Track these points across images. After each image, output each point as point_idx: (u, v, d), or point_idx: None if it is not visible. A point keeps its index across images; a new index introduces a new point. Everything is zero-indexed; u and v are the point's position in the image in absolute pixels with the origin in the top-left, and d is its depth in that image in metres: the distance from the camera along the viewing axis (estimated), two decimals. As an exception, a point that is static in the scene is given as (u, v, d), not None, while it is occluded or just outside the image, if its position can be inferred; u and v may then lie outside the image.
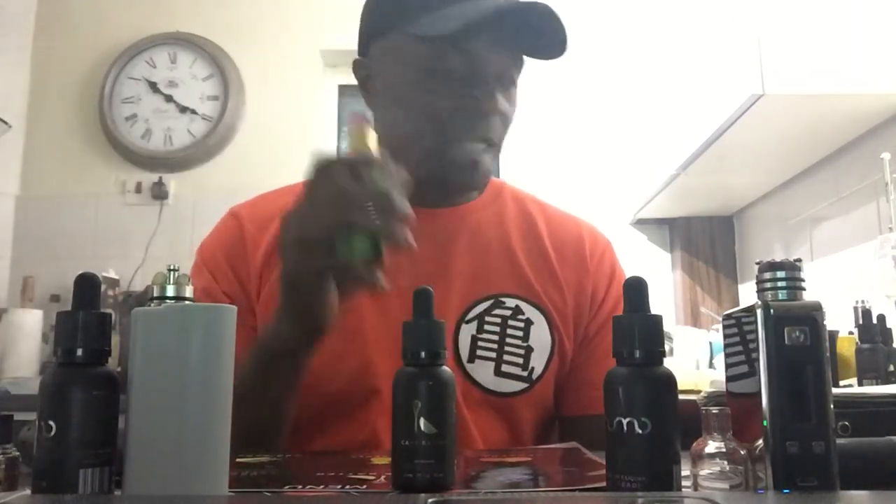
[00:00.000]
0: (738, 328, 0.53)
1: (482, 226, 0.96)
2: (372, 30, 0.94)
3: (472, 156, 0.89)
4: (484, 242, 0.95)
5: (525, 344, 0.90)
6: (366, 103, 0.98)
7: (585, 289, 0.97)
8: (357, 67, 0.97)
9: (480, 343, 0.89)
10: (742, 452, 0.49)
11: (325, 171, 0.67)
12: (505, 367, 0.89)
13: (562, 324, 0.93)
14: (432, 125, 0.88)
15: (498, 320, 0.90)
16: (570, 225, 1.03)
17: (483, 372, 0.88)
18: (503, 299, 0.91)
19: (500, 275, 0.93)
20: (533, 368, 0.90)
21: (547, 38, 0.90)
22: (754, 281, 0.52)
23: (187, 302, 0.53)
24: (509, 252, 0.95)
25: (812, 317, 0.48)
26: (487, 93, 0.88)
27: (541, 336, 0.91)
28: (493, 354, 0.89)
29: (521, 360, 0.90)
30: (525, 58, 0.95)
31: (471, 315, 0.90)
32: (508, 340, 0.90)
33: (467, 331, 0.89)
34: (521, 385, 0.89)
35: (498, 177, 1.03)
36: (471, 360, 0.88)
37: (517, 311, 0.91)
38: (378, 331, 0.87)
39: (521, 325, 0.91)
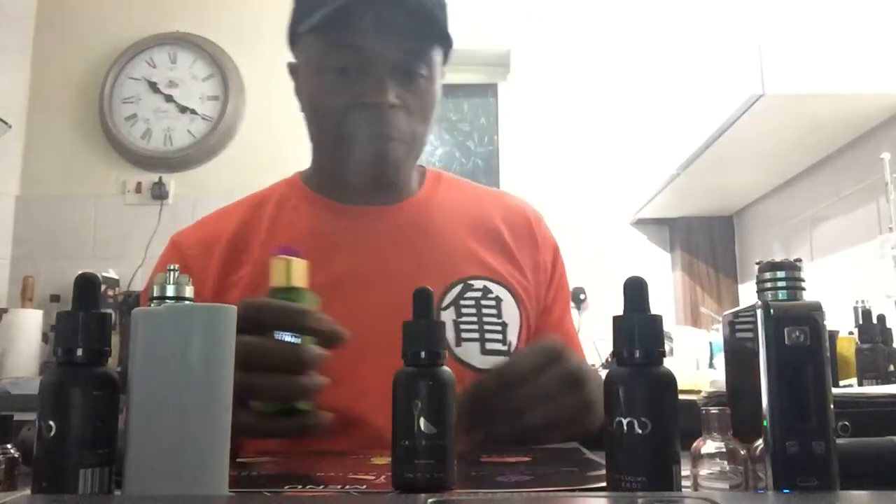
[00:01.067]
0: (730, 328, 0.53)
1: (434, 216, 0.98)
2: (289, 34, 0.97)
3: (373, 153, 0.89)
4: (441, 232, 0.97)
5: (500, 320, 0.94)
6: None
7: (539, 264, 1.01)
8: (290, 70, 1.00)
9: (463, 326, 0.91)
10: (742, 452, 0.49)
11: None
12: (489, 345, 0.92)
13: (526, 298, 0.97)
14: (331, 124, 0.90)
15: (472, 302, 0.93)
16: (513, 204, 1.06)
17: (471, 353, 0.91)
18: (471, 282, 0.94)
19: (463, 260, 0.95)
20: (511, 342, 0.94)
21: (416, 22, 0.88)
22: (754, 281, 0.52)
23: (187, 302, 0.53)
24: (465, 238, 0.97)
25: (812, 317, 0.48)
26: (378, 87, 0.87)
27: (511, 312, 0.95)
28: (476, 335, 0.92)
29: (500, 336, 0.93)
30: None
31: (446, 302, 0.92)
32: (486, 319, 0.93)
33: (447, 317, 0.91)
34: (503, 359, 0.91)
35: (416, 169, 1.04)
36: (458, 345, 0.90)
37: (486, 290, 0.94)
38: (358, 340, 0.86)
39: (493, 303, 0.94)
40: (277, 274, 0.72)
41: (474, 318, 0.92)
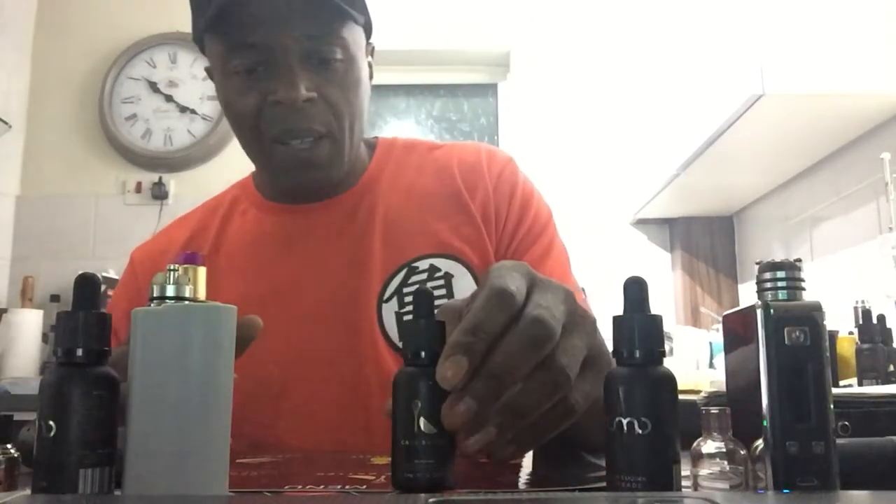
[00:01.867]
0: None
1: (381, 194, 0.92)
2: (193, 38, 0.89)
3: (295, 154, 0.84)
4: (388, 212, 0.90)
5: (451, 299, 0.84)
6: None
7: (489, 210, 0.91)
8: (208, 73, 0.93)
9: (406, 318, 0.83)
10: (742, 452, 0.49)
11: None
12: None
13: (481, 261, 0.88)
14: (248, 128, 0.85)
15: (416, 286, 0.85)
16: (470, 150, 0.97)
17: None
18: (415, 264, 0.87)
19: (410, 239, 0.88)
20: None
21: (315, 3, 0.81)
22: (754, 281, 0.52)
23: (187, 302, 0.53)
24: (415, 211, 0.90)
25: (812, 317, 0.48)
26: (288, 82, 0.80)
27: (465, 286, 0.86)
28: None
29: None
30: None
31: (388, 293, 0.86)
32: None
33: (389, 310, 0.85)
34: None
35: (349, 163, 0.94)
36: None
37: (433, 270, 0.87)
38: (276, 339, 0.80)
39: (442, 282, 0.86)
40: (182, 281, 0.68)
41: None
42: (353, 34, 0.85)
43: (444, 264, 0.87)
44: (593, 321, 0.56)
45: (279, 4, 0.79)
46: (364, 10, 0.86)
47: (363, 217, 0.90)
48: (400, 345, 0.79)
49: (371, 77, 0.91)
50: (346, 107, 0.84)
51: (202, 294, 0.67)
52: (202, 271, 0.67)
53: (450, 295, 0.86)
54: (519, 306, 0.49)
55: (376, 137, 1.01)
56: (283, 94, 0.80)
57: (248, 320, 0.56)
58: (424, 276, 0.87)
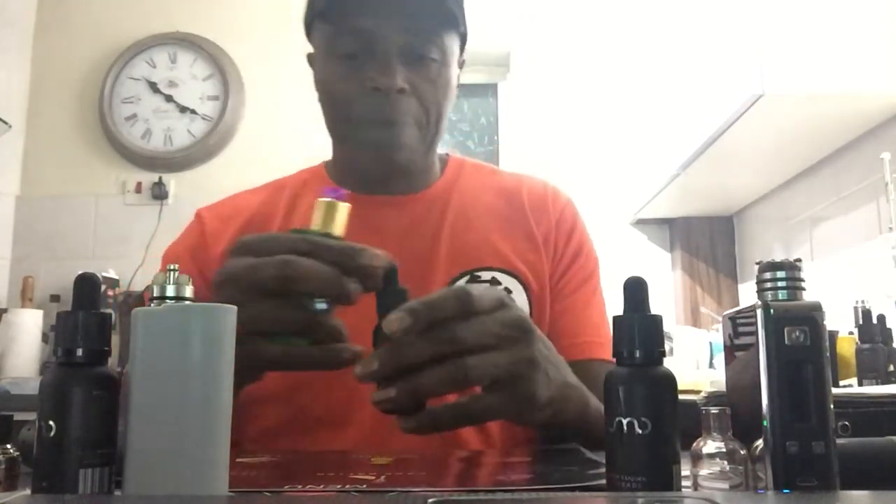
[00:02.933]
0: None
1: (452, 206, 0.96)
2: (304, 24, 0.95)
3: (384, 139, 0.87)
4: (457, 222, 0.94)
5: None
6: None
7: (549, 242, 0.97)
8: (308, 61, 0.98)
9: None
10: (742, 452, 0.49)
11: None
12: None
13: (538, 285, 0.93)
14: (342, 110, 0.89)
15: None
16: (538, 183, 1.04)
17: None
18: (478, 273, 0.91)
19: (475, 251, 0.92)
20: None
21: (425, 3, 0.86)
22: (754, 281, 0.52)
23: (187, 302, 0.53)
24: (483, 226, 0.94)
25: (812, 317, 0.48)
26: (386, 71, 0.85)
27: (520, 303, 0.86)
28: None
29: None
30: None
31: None
32: None
33: None
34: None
35: (436, 154, 1.01)
36: None
37: (494, 282, 0.91)
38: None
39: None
40: (318, 216, 0.65)
41: None
42: (451, 40, 0.90)
43: (505, 279, 0.91)
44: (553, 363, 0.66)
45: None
46: (464, 22, 0.91)
47: (433, 220, 0.94)
48: None
49: (457, 86, 0.95)
50: (434, 105, 0.89)
51: (340, 231, 0.65)
52: (344, 208, 0.66)
53: None
54: (472, 310, 0.59)
55: (448, 154, 1.05)
56: (380, 82, 0.85)
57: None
58: (486, 285, 0.90)
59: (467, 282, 0.90)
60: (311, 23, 0.93)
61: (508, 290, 0.91)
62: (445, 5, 0.86)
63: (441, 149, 1.01)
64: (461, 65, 0.96)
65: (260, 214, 0.96)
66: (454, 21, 0.88)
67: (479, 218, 0.95)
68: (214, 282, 0.64)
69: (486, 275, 0.91)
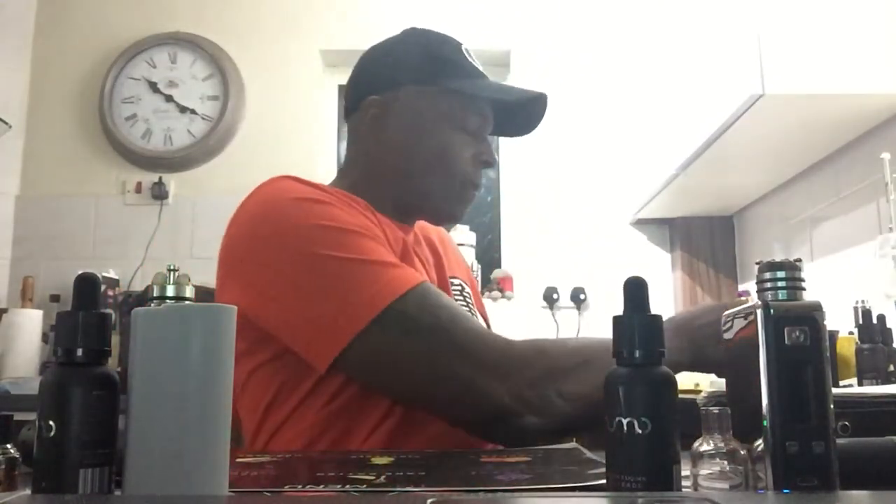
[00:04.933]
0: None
1: (426, 237, 1.15)
2: (406, 76, 1.06)
3: (471, 198, 1.08)
4: (434, 245, 1.14)
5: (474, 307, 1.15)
6: (357, 136, 1.08)
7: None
8: (370, 105, 1.05)
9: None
10: (742, 452, 0.49)
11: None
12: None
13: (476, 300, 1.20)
14: (454, 171, 1.04)
15: (458, 290, 1.13)
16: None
17: None
18: (453, 280, 1.12)
19: (456, 264, 1.18)
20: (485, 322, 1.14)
21: (529, 124, 1.11)
22: (754, 281, 0.52)
23: (187, 302, 0.53)
24: (444, 247, 1.17)
25: (812, 317, 0.48)
26: (491, 151, 1.07)
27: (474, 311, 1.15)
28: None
29: (479, 319, 1.10)
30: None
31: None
32: (469, 306, 1.13)
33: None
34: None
35: None
36: None
37: (462, 287, 1.14)
38: None
39: (469, 295, 1.15)
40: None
41: (463, 304, 1.11)
42: None
43: (466, 286, 1.16)
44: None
45: (532, 103, 1.08)
46: None
47: (435, 244, 1.15)
48: None
49: None
50: None
51: None
52: None
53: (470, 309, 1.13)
54: None
55: None
56: (490, 158, 1.06)
57: None
58: (459, 289, 1.12)
59: (453, 285, 1.11)
60: (421, 82, 1.05)
61: (470, 294, 1.17)
62: (538, 123, 1.11)
63: None
64: None
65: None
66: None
67: (442, 241, 1.18)
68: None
69: (456, 282, 1.13)
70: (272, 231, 0.89)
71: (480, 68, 1.07)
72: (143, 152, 2.83)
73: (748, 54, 1.63)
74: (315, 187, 0.95)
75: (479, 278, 2.60)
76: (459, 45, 1.07)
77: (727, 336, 0.56)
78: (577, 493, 0.52)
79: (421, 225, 1.14)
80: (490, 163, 1.06)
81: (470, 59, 1.07)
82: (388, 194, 1.04)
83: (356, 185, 1.04)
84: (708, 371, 0.92)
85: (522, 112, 1.09)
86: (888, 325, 1.49)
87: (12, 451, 0.55)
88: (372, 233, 0.92)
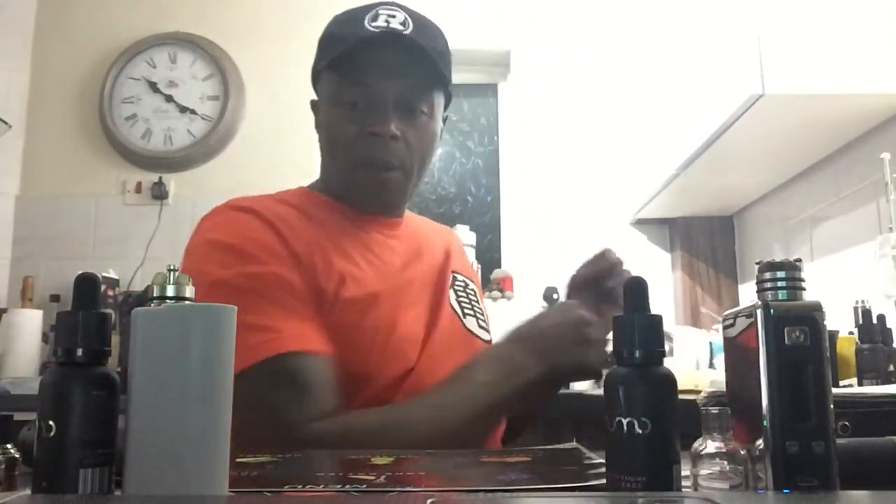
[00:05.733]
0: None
1: (420, 229, 1.15)
2: (316, 67, 1.06)
3: (375, 177, 1.01)
4: (428, 241, 1.13)
5: (480, 307, 1.15)
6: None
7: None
8: (312, 107, 1.10)
9: (462, 303, 1.10)
10: (742, 452, 0.49)
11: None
12: (480, 323, 1.12)
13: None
14: (343, 152, 1.01)
15: (461, 287, 1.12)
16: (443, 228, 1.27)
17: (474, 325, 1.09)
18: (455, 275, 1.12)
19: (448, 260, 1.13)
20: (487, 320, 1.15)
21: (418, 64, 0.99)
22: (754, 281, 0.52)
23: (187, 302, 0.53)
24: (442, 244, 1.15)
25: (812, 317, 0.48)
26: (382, 119, 0.98)
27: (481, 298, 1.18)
28: (472, 311, 1.11)
29: (482, 315, 1.14)
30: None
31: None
32: (473, 302, 1.13)
33: (453, 296, 1.09)
34: (488, 335, 1.13)
35: (412, 199, 1.15)
36: (464, 317, 1.09)
37: (465, 284, 1.14)
38: (407, 318, 0.99)
39: (473, 293, 1.14)
40: None
41: (466, 299, 1.11)
42: (439, 97, 1.04)
43: (471, 284, 1.16)
44: None
45: (393, 58, 0.98)
46: (450, 84, 1.06)
47: (424, 236, 1.13)
48: (462, 319, 1.09)
49: (440, 138, 1.09)
50: (420, 151, 1.02)
51: None
52: None
53: (479, 302, 1.16)
54: None
55: None
56: (377, 128, 0.98)
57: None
58: (462, 285, 1.13)
59: (454, 282, 1.10)
60: (319, 72, 1.04)
61: (475, 291, 1.17)
62: (437, 68, 0.99)
63: (441, 149, 1.11)
64: (445, 120, 1.10)
65: (301, 217, 1.00)
66: (443, 81, 1.02)
67: (437, 240, 1.15)
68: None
69: (460, 277, 1.13)
70: (183, 269, 0.89)
71: (376, 29, 0.97)
72: (143, 152, 2.83)
73: (748, 54, 1.63)
74: (244, 217, 0.96)
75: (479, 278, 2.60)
76: (362, 13, 0.99)
77: (730, 334, 0.56)
78: (577, 493, 0.52)
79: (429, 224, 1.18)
80: (377, 132, 0.98)
81: (367, 25, 0.97)
82: (336, 189, 1.06)
83: (324, 182, 1.09)
84: (570, 379, 0.97)
85: (395, 47, 0.98)
86: (888, 325, 1.49)
87: (12, 451, 0.55)
88: (258, 283, 0.89)
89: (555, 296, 2.67)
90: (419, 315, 1.01)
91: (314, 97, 1.09)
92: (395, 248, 1.06)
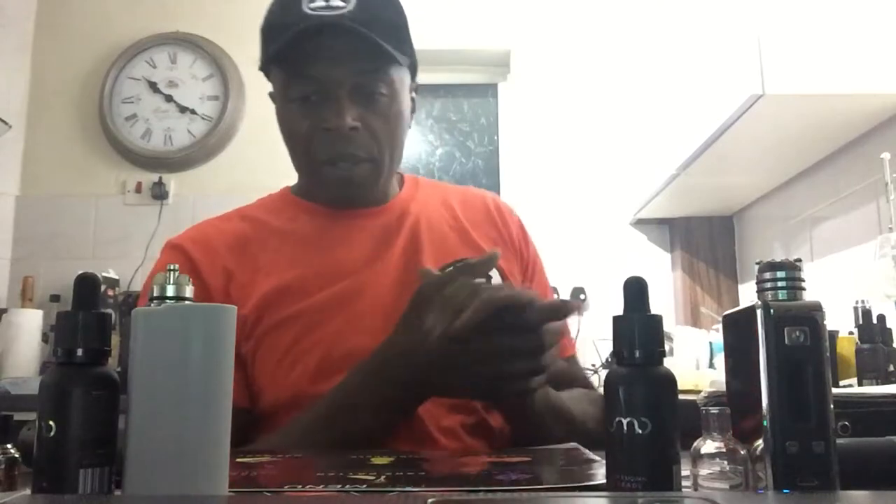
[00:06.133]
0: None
1: (420, 211, 1.03)
2: (260, 66, 0.99)
3: (340, 174, 0.95)
4: (429, 223, 1.01)
5: None
6: None
7: (503, 238, 1.06)
8: (271, 98, 1.02)
9: None
10: (742, 452, 0.49)
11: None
12: None
13: (513, 281, 1.01)
14: (301, 149, 0.97)
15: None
16: (472, 192, 1.12)
17: None
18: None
19: (453, 246, 1.00)
20: None
21: (366, 46, 0.90)
22: (754, 281, 0.52)
23: (187, 302, 0.53)
24: (452, 224, 1.03)
25: (812, 317, 0.48)
26: (336, 112, 0.91)
27: None
28: None
29: None
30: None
31: None
32: None
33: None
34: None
35: (391, 184, 1.06)
36: None
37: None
38: (361, 327, 0.90)
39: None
40: None
41: None
42: (399, 73, 0.96)
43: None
44: None
45: (335, 45, 0.90)
46: (410, 53, 0.98)
47: (409, 225, 1.00)
48: None
49: (413, 111, 1.03)
50: (387, 136, 0.95)
51: None
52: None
53: None
54: None
55: (400, 172, 1.11)
56: (331, 122, 0.92)
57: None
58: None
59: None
60: (267, 67, 0.98)
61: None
62: (382, 48, 0.90)
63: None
64: (415, 89, 1.02)
65: (244, 237, 0.98)
66: (395, 57, 0.92)
67: (449, 219, 1.03)
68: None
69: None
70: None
71: (314, 12, 0.90)
72: (143, 152, 2.83)
73: (748, 54, 1.63)
74: (201, 230, 0.99)
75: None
76: None
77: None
78: (577, 493, 0.52)
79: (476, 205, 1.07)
80: (329, 128, 0.92)
81: (305, 9, 0.90)
82: (305, 187, 1.04)
83: (298, 180, 1.06)
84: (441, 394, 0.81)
85: (337, 35, 0.91)
86: (888, 325, 1.49)
87: (12, 451, 0.55)
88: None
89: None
90: (376, 324, 0.87)
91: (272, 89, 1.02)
92: (363, 242, 0.97)
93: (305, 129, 0.94)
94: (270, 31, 0.95)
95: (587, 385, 1.06)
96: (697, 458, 0.50)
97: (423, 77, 1.07)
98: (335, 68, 0.91)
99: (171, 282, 0.52)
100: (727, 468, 0.49)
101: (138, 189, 2.81)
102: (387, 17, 0.93)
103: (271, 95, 1.02)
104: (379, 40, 0.89)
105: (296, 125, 0.95)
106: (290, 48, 0.90)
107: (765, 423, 0.48)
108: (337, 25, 0.89)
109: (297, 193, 1.06)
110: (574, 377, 1.03)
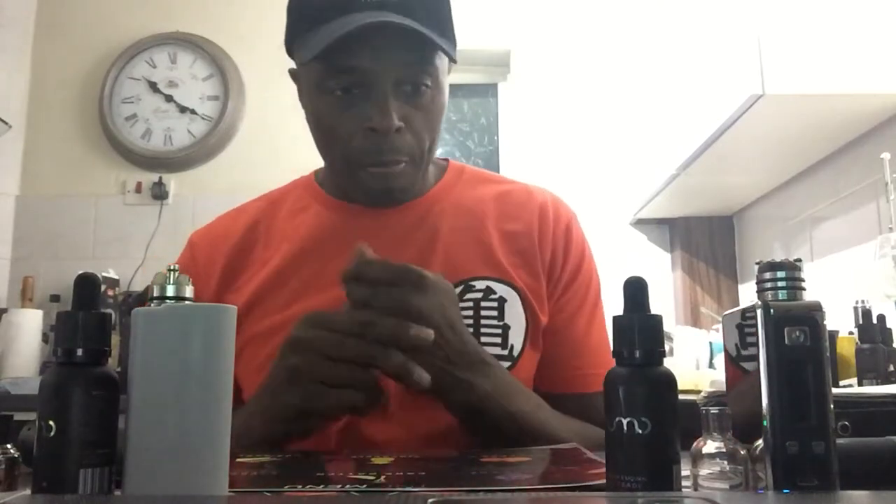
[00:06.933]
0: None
1: (447, 212, 0.96)
2: (288, 41, 0.93)
3: (382, 181, 0.88)
4: (451, 229, 0.94)
5: (501, 322, 0.90)
6: None
7: (546, 255, 0.95)
8: (292, 76, 0.96)
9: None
10: (742, 452, 0.49)
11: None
12: (485, 349, 0.84)
13: (535, 300, 0.92)
14: (339, 148, 0.88)
15: (470, 304, 0.89)
16: (539, 194, 1.01)
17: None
18: (473, 283, 0.91)
19: (469, 259, 0.92)
20: (512, 346, 0.90)
21: (414, 42, 0.84)
22: (754, 281, 0.52)
23: (187, 302, 0.53)
24: (479, 235, 0.94)
25: (812, 317, 0.48)
26: (382, 110, 0.84)
27: (516, 313, 0.91)
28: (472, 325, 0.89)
29: (499, 339, 0.89)
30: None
31: None
32: (483, 322, 0.89)
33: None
34: (504, 364, 0.87)
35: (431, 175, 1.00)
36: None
37: (488, 291, 0.91)
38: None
39: (495, 304, 0.90)
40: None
41: (470, 321, 0.88)
42: (443, 61, 0.90)
43: (500, 289, 0.91)
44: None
45: (382, 35, 0.82)
46: (453, 38, 0.90)
47: (428, 228, 0.94)
48: None
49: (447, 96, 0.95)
50: (428, 133, 0.89)
51: None
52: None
53: (501, 317, 0.90)
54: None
55: (447, 160, 1.05)
56: (377, 123, 0.84)
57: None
58: (480, 295, 0.90)
59: (461, 291, 0.90)
60: (292, 46, 0.91)
61: (504, 300, 0.90)
62: (426, 37, 0.83)
63: (441, 149, 1.02)
64: (449, 72, 0.95)
65: (249, 235, 0.97)
66: (443, 47, 0.85)
67: (473, 226, 0.95)
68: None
69: (479, 283, 0.91)
70: None
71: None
72: (143, 152, 2.83)
73: (748, 54, 1.63)
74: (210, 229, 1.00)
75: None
76: None
77: (746, 352, 0.56)
78: (577, 493, 0.52)
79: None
80: (378, 128, 0.84)
81: None
82: (335, 184, 0.98)
83: (325, 172, 1.00)
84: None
85: (384, 33, 0.83)
86: (888, 325, 1.49)
87: (12, 451, 0.55)
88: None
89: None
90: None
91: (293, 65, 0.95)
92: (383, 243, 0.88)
93: (346, 126, 0.86)
94: (310, 7, 0.87)
95: (598, 425, 0.89)
96: (697, 458, 0.50)
97: (423, 77, 1.04)
98: (381, 60, 0.83)
99: (171, 282, 0.52)
100: (727, 468, 0.49)
101: (138, 189, 2.81)
102: (430, 1, 0.86)
103: (292, 74, 0.95)
104: (424, 30, 0.82)
105: (334, 120, 0.87)
106: (338, 44, 0.81)
107: (765, 423, 0.48)
108: (391, 16, 0.81)
109: (321, 184, 1.01)
110: (584, 416, 0.90)
